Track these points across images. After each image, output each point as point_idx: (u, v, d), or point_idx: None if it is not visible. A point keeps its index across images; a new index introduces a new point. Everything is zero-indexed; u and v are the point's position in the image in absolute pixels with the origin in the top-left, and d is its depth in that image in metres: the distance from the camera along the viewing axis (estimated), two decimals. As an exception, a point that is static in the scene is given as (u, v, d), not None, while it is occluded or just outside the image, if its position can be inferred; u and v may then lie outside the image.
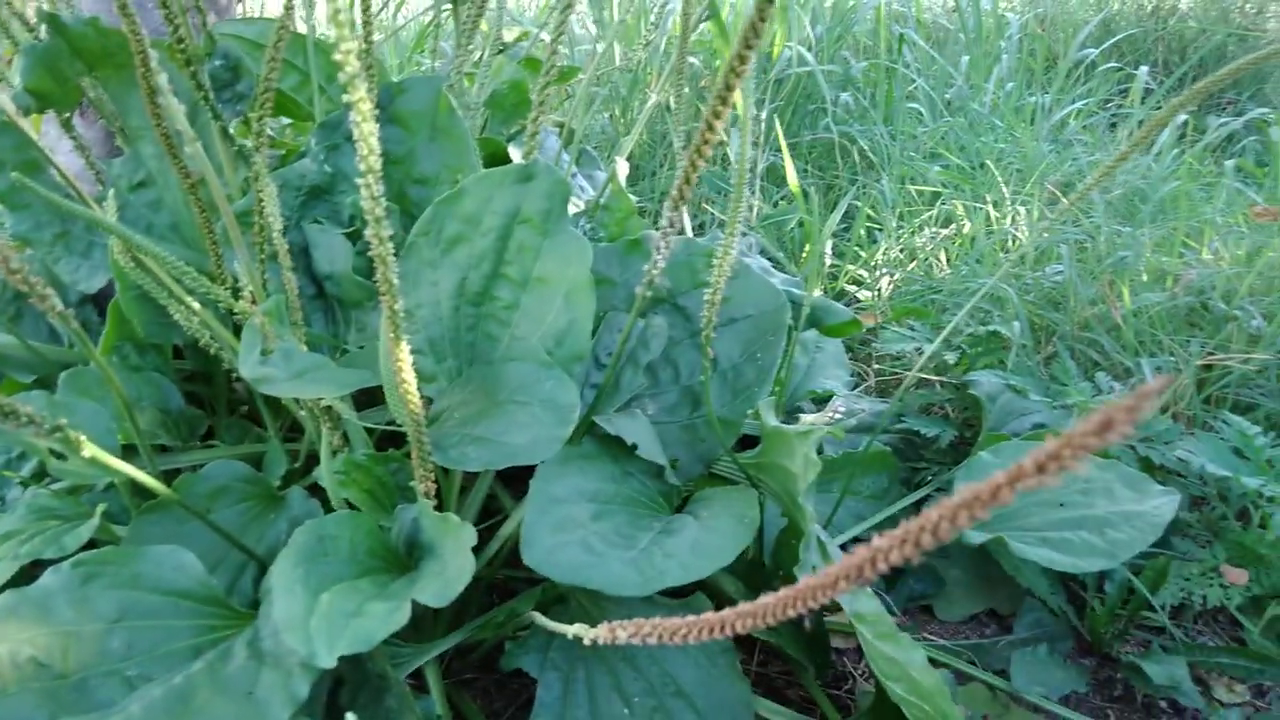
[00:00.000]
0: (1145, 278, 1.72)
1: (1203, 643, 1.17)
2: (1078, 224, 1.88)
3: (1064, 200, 2.08)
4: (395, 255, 1.06)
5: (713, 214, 2.28)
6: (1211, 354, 1.48)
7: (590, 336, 1.04)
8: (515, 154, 1.38)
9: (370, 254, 0.63)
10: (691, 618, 0.56)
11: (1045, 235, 1.14)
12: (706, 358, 1.00)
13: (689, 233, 1.47)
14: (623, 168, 1.36)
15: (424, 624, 1.07)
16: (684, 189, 0.78)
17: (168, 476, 1.04)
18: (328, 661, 0.69)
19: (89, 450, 0.70)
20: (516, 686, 1.13)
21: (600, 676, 0.96)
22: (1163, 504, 1.06)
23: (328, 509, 0.99)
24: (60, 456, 0.88)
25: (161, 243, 1.13)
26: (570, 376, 0.97)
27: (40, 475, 1.03)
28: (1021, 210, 2.09)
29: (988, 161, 2.25)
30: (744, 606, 0.52)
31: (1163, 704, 1.11)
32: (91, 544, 0.88)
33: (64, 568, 0.77)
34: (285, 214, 1.12)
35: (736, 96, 0.69)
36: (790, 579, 1.12)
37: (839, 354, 1.49)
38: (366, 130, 0.54)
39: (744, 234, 2.21)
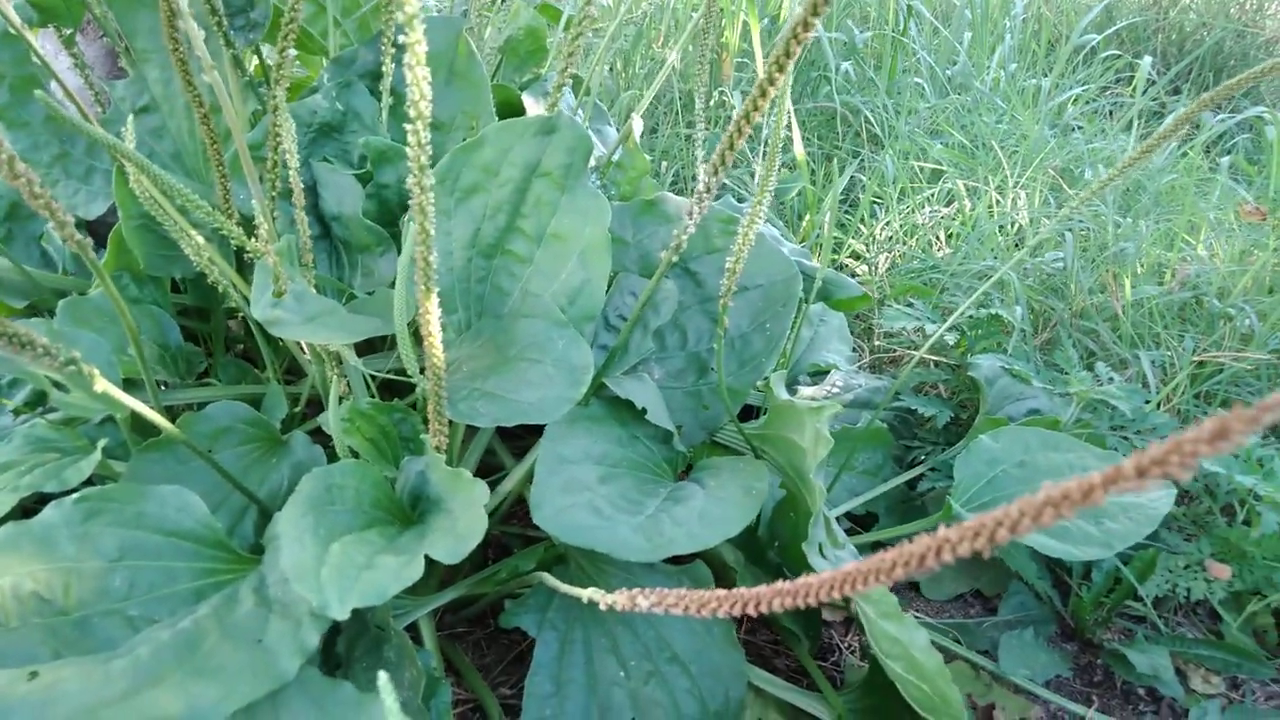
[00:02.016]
0: (1142, 270, 1.73)
1: (1182, 634, 1.20)
2: (1079, 212, 1.88)
3: (1068, 189, 2.09)
4: (402, 209, 1.03)
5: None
6: (1205, 350, 1.49)
7: (604, 297, 1.02)
8: (529, 103, 1.35)
9: (408, 202, 0.61)
10: (709, 592, 0.55)
11: (1054, 223, 1.14)
12: (721, 326, 0.99)
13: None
14: (638, 125, 1.34)
15: (420, 577, 1.06)
16: (726, 155, 0.76)
17: (166, 414, 1.01)
18: (340, 614, 0.68)
19: (101, 385, 0.67)
20: (507, 642, 1.13)
21: (597, 638, 0.96)
22: (1159, 497, 1.07)
23: (331, 456, 0.98)
24: (61, 388, 0.86)
25: (163, 172, 1.09)
26: (582, 336, 0.96)
27: (34, 403, 1.00)
28: (1023, 194, 2.09)
29: (992, 142, 2.24)
30: (763, 589, 0.52)
31: (1141, 691, 1.14)
32: (89, 479, 0.86)
33: (66, 503, 0.75)
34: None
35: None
36: (785, 550, 1.13)
37: (842, 328, 1.48)
38: (420, 75, 0.52)
39: (741, 200, 2.19)
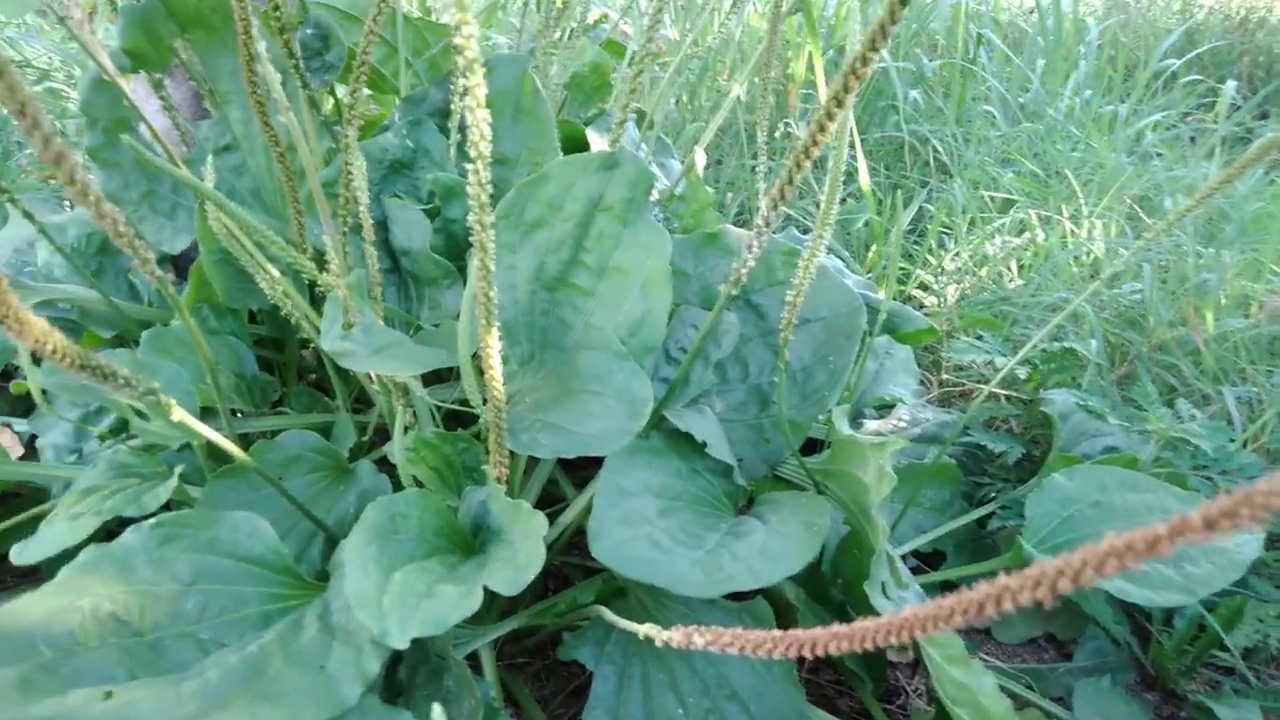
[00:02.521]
0: (1227, 302, 1.66)
1: (1276, 688, 1.13)
2: (1158, 242, 1.82)
3: (1146, 219, 2.02)
4: (466, 243, 1.06)
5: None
6: (1296, 387, 1.42)
7: (665, 329, 1.02)
8: (593, 138, 1.37)
9: (470, 238, 0.62)
10: (765, 633, 0.55)
11: (1131, 253, 1.11)
12: (782, 359, 0.99)
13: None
14: (700, 158, 1.34)
15: (480, 607, 1.07)
16: (785, 189, 0.77)
17: (240, 441, 1.05)
18: (400, 642, 0.69)
19: (178, 415, 0.70)
20: (566, 674, 1.13)
21: (656, 674, 0.96)
22: (1246, 541, 1.02)
23: (396, 485, 0.99)
24: (143, 416, 0.90)
25: (243, 208, 1.14)
26: (643, 368, 0.96)
27: (117, 430, 1.05)
28: (1098, 224, 2.03)
29: (1066, 171, 2.19)
30: (818, 632, 0.51)
31: (1226, 745, 1.08)
32: (167, 504, 0.89)
33: (144, 527, 0.78)
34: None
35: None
36: (849, 588, 1.11)
37: (909, 361, 1.46)
38: (480, 116, 0.53)
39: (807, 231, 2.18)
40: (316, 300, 1.12)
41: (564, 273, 1.05)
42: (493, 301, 0.66)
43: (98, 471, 0.89)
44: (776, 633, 0.54)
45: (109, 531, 0.85)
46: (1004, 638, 1.26)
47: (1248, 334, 1.54)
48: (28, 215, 0.97)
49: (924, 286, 2.05)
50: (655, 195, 1.43)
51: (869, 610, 1.06)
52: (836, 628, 0.50)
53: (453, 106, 1.11)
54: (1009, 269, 1.96)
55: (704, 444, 1.00)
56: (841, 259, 2.03)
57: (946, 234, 2.18)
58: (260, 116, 0.91)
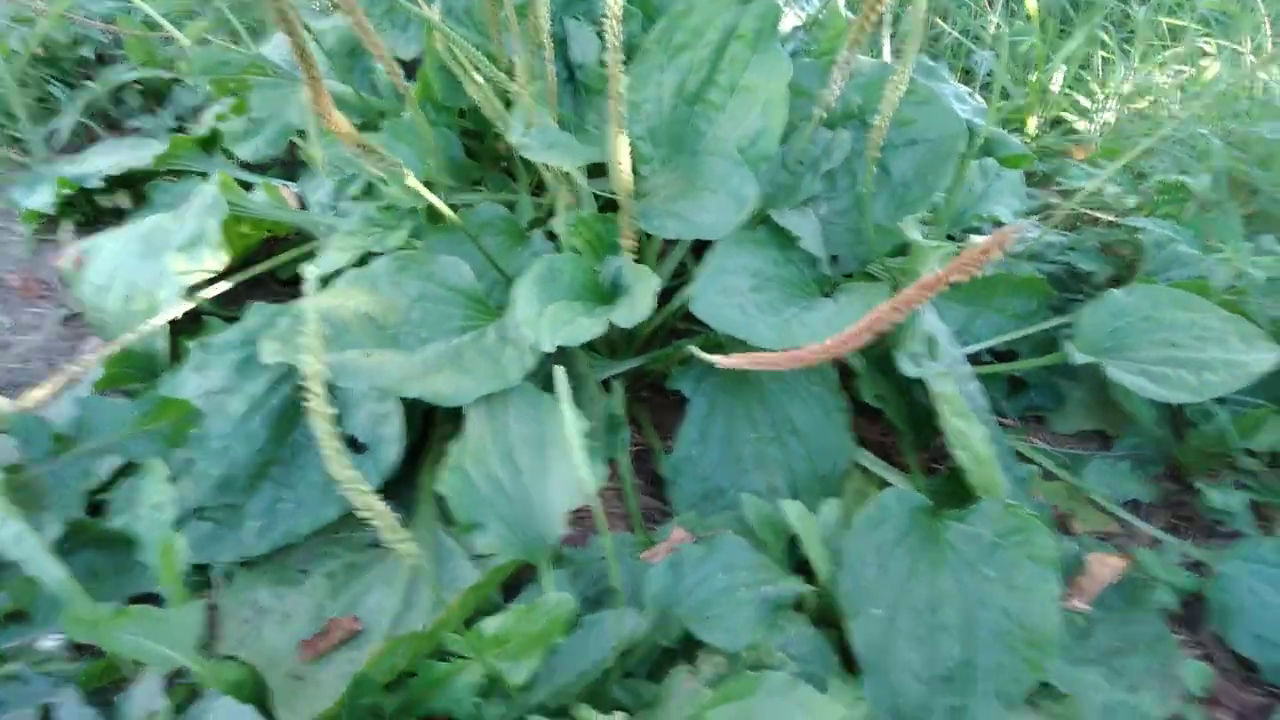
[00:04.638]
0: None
1: (1284, 488, 1.30)
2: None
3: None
4: (629, 59, 1.30)
5: (943, 29, 2.29)
6: None
7: (779, 142, 1.25)
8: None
9: (606, 69, 0.88)
10: (786, 352, 0.83)
11: (1266, 80, 1.19)
12: (869, 174, 1.20)
13: (886, 55, 1.58)
14: (843, -14, 1.49)
15: (619, 347, 1.41)
16: (865, 23, 0.96)
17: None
18: (549, 348, 1.02)
19: (411, 182, 1.03)
20: (680, 408, 1.46)
21: (737, 408, 1.26)
22: (1265, 358, 1.18)
23: (558, 250, 1.31)
24: (385, 183, 1.24)
25: (458, 25, 1.43)
26: (755, 173, 1.20)
27: (363, 193, 1.42)
28: (1284, 55, 1.97)
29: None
30: (824, 343, 0.79)
31: (1221, 528, 1.28)
32: (400, 247, 1.25)
33: (386, 259, 1.14)
34: (550, 8, 1.38)
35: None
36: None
37: (1017, 184, 1.59)
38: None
39: (936, 59, 2.24)
40: (509, 103, 1.41)
41: (701, 90, 1.28)
42: (623, 117, 0.93)
43: (353, 221, 1.26)
44: (798, 352, 0.83)
45: (362, 260, 1.22)
46: (1058, 428, 1.47)
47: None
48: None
49: (1080, 110, 2.09)
50: (799, 20, 1.60)
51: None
52: (842, 334, 0.78)
53: (622, -60, 1.32)
54: (1166, 100, 1.97)
55: (797, 239, 1.25)
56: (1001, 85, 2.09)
57: (1122, 56, 2.16)
58: (469, -46, 1.17)
